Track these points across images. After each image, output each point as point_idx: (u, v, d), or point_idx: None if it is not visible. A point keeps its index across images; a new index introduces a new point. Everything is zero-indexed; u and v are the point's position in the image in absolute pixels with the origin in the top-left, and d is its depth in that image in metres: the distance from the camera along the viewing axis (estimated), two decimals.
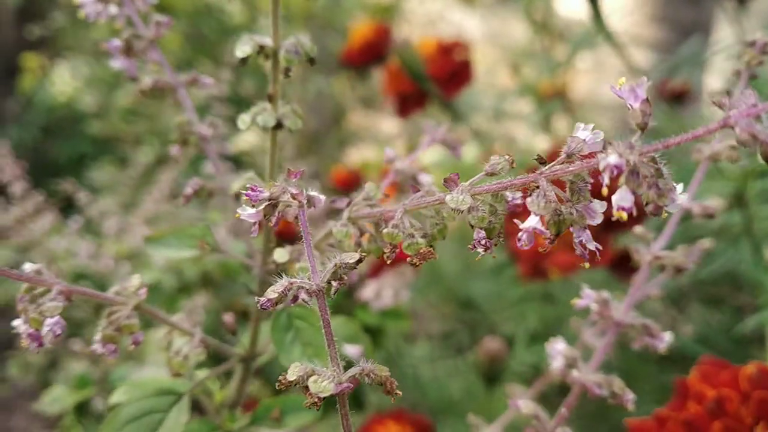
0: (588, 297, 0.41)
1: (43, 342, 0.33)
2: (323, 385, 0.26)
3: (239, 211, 0.29)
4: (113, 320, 0.36)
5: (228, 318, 0.43)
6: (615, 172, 0.23)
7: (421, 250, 0.30)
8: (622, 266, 0.79)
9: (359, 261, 0.28)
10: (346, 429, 0.28)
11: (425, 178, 0.47)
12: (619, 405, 0.38)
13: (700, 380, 0.50)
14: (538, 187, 0.26)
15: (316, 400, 0.26)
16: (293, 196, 0.28)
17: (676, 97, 1.39)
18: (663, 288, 0.48)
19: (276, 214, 0.29)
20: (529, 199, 0.26)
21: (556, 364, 0.41)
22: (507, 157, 0.29)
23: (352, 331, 0.50)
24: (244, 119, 0.37)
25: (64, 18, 2.84)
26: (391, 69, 1.09)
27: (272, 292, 0.27)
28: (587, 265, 0.27)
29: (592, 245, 0.27)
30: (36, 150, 2.76)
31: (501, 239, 0.29)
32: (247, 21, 2.88)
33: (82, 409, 0.69)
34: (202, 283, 1.04)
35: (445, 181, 0.29)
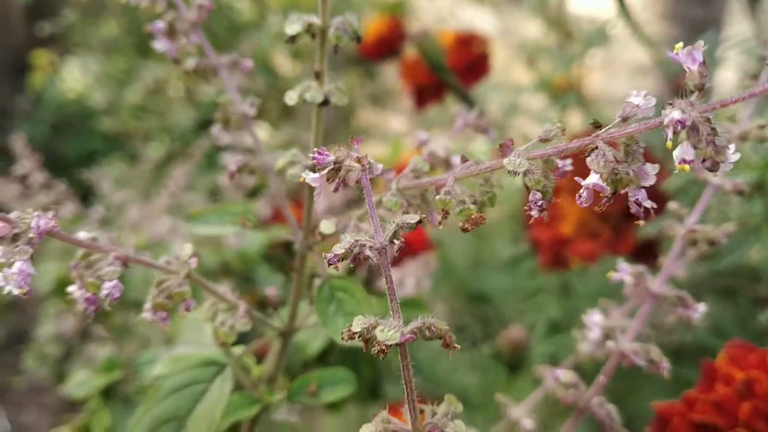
0: (623, 270, 0.41)
1: (101, 305, 0.34)
2: (390, 334, 0.27)
3: (303, 175, 0.30)
4: (164, 288, 0.37)
5: (271, 291, 0.44)
6: (679, 127, 0.24)
7: (473, 216, 0.31)
8: (644, 255, 0.80)
9: (419, 222, 0.29)
10: (407, 379, 0.29)
11: (457, 160, 0.48)
12: (655, 373, 0.39)
13: (728, 363, 0.51)
14: (595, 149, 0.27)
15: (383, 347, 0.27)
16: (357, 160, 0.29)
17: (692, 93, 1.39)
18: (686, 271, 0.48)
19: (338, 178, 0.30)
20: (589, 159, 0.27)
21: (593, 335, 0.41)
22: (559, 125, 0.30)
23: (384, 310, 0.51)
24: (291, 95, 0.38)
25: (74, 15, 2.85)
26: (408, 61, 1.10)
27: (339, 248, 0.28)
28: (641, 222, 0.28)
29: (647, 203, 0.27)
30: (46, 146, 2.77)
31: (550, 200, 0.30)
32: (256, 18, 2.89)
33: (108, 392, 0.70)
34: (221, 272, 1.05)
35: (501, 145, 0.29)
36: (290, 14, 0.37)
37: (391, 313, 0.29)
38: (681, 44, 0.26)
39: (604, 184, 0.27)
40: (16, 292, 0.31)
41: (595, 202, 0.27)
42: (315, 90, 0.37)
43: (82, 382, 0.72)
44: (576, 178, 0.28)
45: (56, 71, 3.03)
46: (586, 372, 0.58)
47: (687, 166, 0.24)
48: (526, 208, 0.29)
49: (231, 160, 0.42)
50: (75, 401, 1.94)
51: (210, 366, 0.43)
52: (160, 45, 0.45)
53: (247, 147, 1.09)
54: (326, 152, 0.30)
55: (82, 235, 0.34)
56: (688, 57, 0.26)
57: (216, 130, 0.44)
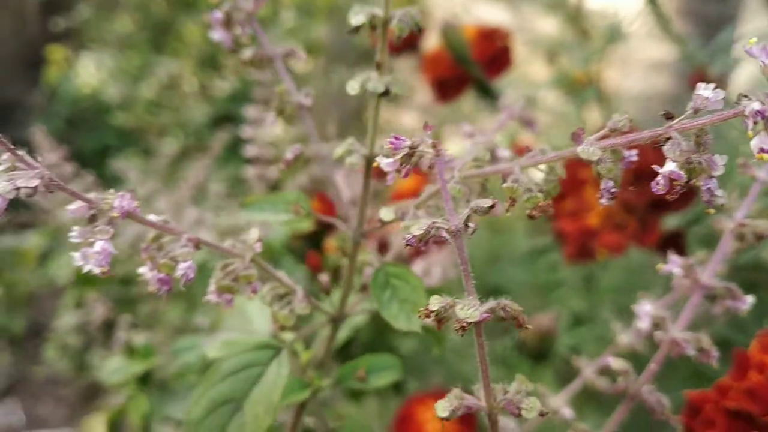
0: (674, 262, 0.42)
1: (172, 286, 0.35)
2: (469, 312, 0.28)
3: (378, 160, 0.31)
4: (229, 271, 0.38)
5: (324, 278, 0.45)
6: (759, 118, 0.25)
7: (540, 204, 0.32)
8: (669, 247, 0.80)
9: (492, 206, 0.30)
10: (481, 357, 0.30)
11: (504, 152, 0.49)
12: (705, 362, 0.40)
13: (761, 351, 0.51)
14: (669, 139, 0.28)
15: (464, 325, 0.28)
16: (432, 146, 0.30)
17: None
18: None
19: (410, 163, 0.31)
20: (665, 147, 0.28)
21: (643, 324, 0.42)
22: (626, 115, 0.31)
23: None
24: (353, 85, 0.39)
25: (88, 11, 2.86)
26: (430, 54, 1.11)
27: (417, 230, 0.29)
28: (712, 210, 0.29)
29: (719, 192, 0.28)
30: (60, 141, 2.79)
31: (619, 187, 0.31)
32: (269, 14, 2.90)
33: (145, 379, 0.71)
34: None
35: (573, 135, 0.30)
36: (354, 6, 0.38)
37: (466, 293, 0.30)
38: (755, 39, 0.27)
39: (681, 172, 0.28)
40: (96, 270, 0.32)
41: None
42: (376, 80, 0.38)
43: (116, 368, 0.73)
44: (653, 166, 0.29)
45: (71, 66, 3.04)
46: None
47: (766, 156, 0.25)
48: (598, 195, 0.30)
49: (289, 149, 0.43)
50: (91, 393, 1.96)
51: (265, 350, 0.44)
52: (216, 35, 0.46)
53: (267, 141, 1.10)
54: (403, 138, 0.31)
55: (153, 218, 0.35)
56: (762, 52, 0.27)
57: (270, 118, 0.45)
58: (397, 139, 0.31)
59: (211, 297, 0.38)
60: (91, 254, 0.31)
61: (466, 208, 0.30)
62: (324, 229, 1.04)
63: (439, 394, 0.93)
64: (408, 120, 3.40)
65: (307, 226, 0.87)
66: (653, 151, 0.29)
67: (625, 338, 0.51)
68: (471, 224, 0.30)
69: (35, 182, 0.29)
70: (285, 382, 0.41)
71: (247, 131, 1.07)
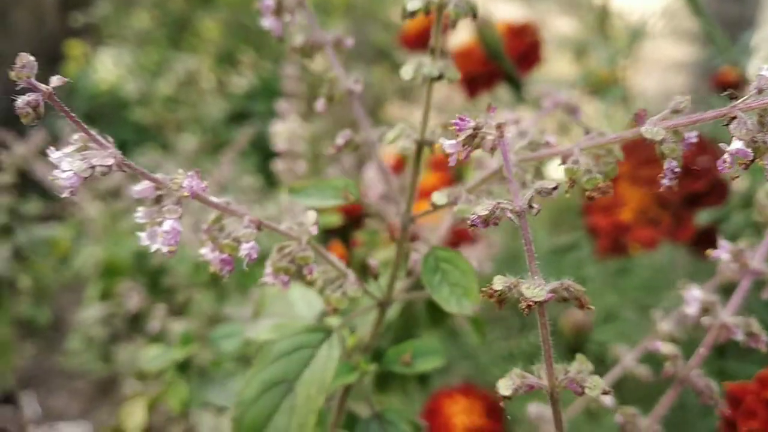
0: (723, 248, 0.42)
1: (234, 266, 0.36)
2: (536, 291, 0.28)
3: (440, 141, 0.32)
4: (286, 253, 0.38)
5: (373, 263, 0.45)
6: None
7: (599, 185, 0.32)
8: (703, 243, 0.80)
9: (555, 188, 0.30)
10: (544, 337, 0.30)
11: (551, 138, 0.49)
12: (754, 346, 0.40)
13: None
14: (734, 118, 0.28)
15: (530, 304, 0.29)
16: (497, 126, 0.30)
17: (727, 86, 1.40)
18: None
19: (472, 144, 0.31)
20: (732, 126, 0.28)
21: (691, 310, 0.42)
22: (687, 97, 0.31)
23: None
24: (407, 70, 0.39)
25: (107, 7, 2.89)
26: (460, 50, 1.11)
27: (482, 210, 0.29)
28: None
29: None
30: None
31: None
32: None
33: (184, 365, 0.72)
34: None
35: (636, 116, 0.31)
36: None
37: (530, 273, 0.30)
38: None
39: (748, 150, 0.28)
40: (164, 249, 0.32)
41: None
42: (430, 66, 0.39)
43: (156, 356, 0.74)
44: (721, 144, 0.29)
45: (89, 62, 3.07)
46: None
47: None
48: (660, 175, 0.30)
49: (340, 135, 0.44)
50: (106, 386, 1.96)
51: (315, 333, 0.44)
52: (267, 22, 0.46)
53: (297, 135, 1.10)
54: (467, 119, 0.31)
55: (215, 199, 0.36)
56: None
57: (320, 104, 0.46)
58: (462, 120, 0.31)
59: (268, 279, 0.38)
60: (160, 233, 0.32)
61: (529, 190, 0.30)
62: (351, 224, 1.05)
63: (467, 389, 0.93)
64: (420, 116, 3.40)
65: (336, 220, 0.88)
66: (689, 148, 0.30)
67: (665, 326, 0.51)
68: (535, 205, 0.30)
69: (110, 161, 0.30)
70: (336, 365, 0.42)
71: (277, 125, 1.08)
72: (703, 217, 0.83)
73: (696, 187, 0.79)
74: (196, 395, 0.68)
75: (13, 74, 0.28)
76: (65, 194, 0.30)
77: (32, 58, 0.29)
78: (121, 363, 1.40)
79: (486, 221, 0.30)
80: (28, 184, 1.27)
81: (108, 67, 3.04)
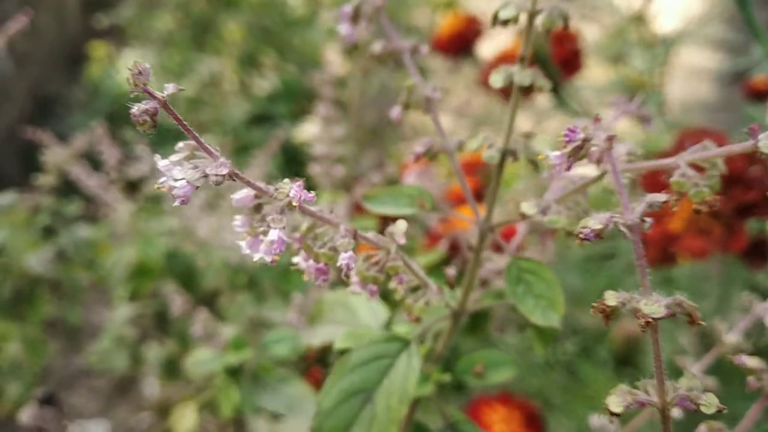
0: None
1: (327, 276, 0.36)
2: (654, 308, 0.28)
3: (545, 152, 0.31)
4: (374, 262, 0.38)
5: (450, 272, 0.45)
6: None
7: (707, 199, 0.32)
8: (755, 254, 0.79)
9: (665, 201, 0.30)
10: (656, 354, 0.30)
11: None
12: None
13: None
14: None
15: (649, 320, 0.28)
16: (607, 138, 0.30)
17: (758, 95, 1.39)
18: None
19: (578, 156, 0.31)
20: None
21: None
22: None
23: None
24: (497, 79, 0.39)
25: (131, 8, 2.91)
26: (500, 54, 1.11)
27: (596, 224, 0.29)
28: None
29: None
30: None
31: None
32: (309, 14, 2.91)
33: (235, 370, 0.72)
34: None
35: (750, 130, 0.30)
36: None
37: (642, 289, 0.30)
38: None
39: None
40: (268, 259, 0.32)
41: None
42: (523, 74, 0.39)
43: (204, 360, 0.74)
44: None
45: (113, 63, 3.09)
46: None
47: None
48: None
49: (419, 142, 0.43)
50: (124, 384, 1.97)
51: (393, 342, 0.44)
52: (343, 29, 0.46)
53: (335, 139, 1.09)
54: (577, 129, 0.31)
55: (312, 208, 0.35)
56: None
57: (395, 112, 0.45)
58: (572, 131, 0.31)
59: (355, 288, 0.38)
60: (266, 242, 0.31)
61: (640, 203, 0.30)
62: (383, 229, 1.04)
63: (505, 398, 0.93)
64: (443, 122, 3.40)
65: (371, 225, 0.87)
66: (740, 159, 0.29)
67: (732, 338, 0.50)
68: (647, 219, 0.30)
69: (224, 170, 0.29)
70: (417, 375, 0.42)
71: (313, 128, 1.08)
72: (754, 227, 0.82)
73: (748, 197, 0.78)
74: (247, 400, 0.68)
75: (128, 81, 0.28)
76: (176, 203, 0.30)
77: (147, 65, 0.29)
78: (149, 363, 1.41)
79: (598, 235, 0.29)
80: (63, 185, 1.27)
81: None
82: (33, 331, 1.27)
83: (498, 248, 0.90)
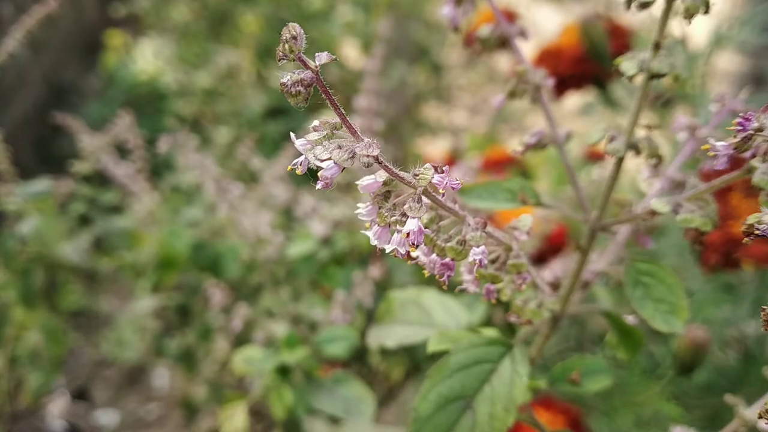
0: None
1: (453, 272, 0.33)
2: None
3: (711, 142, 0.29)
4: (493, 259, 0.35)
5: (555, 272, 0.42)
6: None
7: None
8: None
9: None
10: None
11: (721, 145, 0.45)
12: None
13: None
14: None
15: None
16: None
17: None
18: None
19: (746, 147, 0.28)
20: None
21: None
22: None
23: None
24: (629, 66, 0.36)
25: None
26: (548, 49, 1.08)
27: None
28: None
29: None
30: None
31: None
32: (325, 7, 2.89)
33: (286, 369, 0.68)
34: (352, 256, 1.04)
35: None
36: None
37: None
38: None
39: None
40: (402, 251, 0.29)
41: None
42: (660, 61, 0.36)
43: (256, 358, 0.71)
44: None
45: (129, 53, 3.06)
46: None
47: None
48: None
49: (531, 133, 0.41)
50: (135, 374, 1.94)
51: (495, 345, 0.41)
52: (446, 11, 0.43)
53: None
54: (752, 117, 0.28)
55: (442, 199, 0.32)
56: None
57: (498, 99, 0.43)
58: (746, 119, 0.28)
59: (469, 286, 0.35)
60: (403, 233, 0.28)
61: None
62: None
63: (548, 402, 0.89)
64: (456, 119, 3.37)
65: None
66: None
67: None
68: None
69: (376, 151, 0.26)
70: (526, 382, 0.39)
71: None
72: None
73: None
74: (301, 402, 0.65)
75: (280, 47, 0.25)
76: (320, 186, 0.27)
77: (301, 29, 0.26)
78: (168, 355, 1.38)
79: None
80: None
81: (147, 58, 3.04)
82: (56, 321, 1.25)
83: (540, 258, 0.87)
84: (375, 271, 0.85)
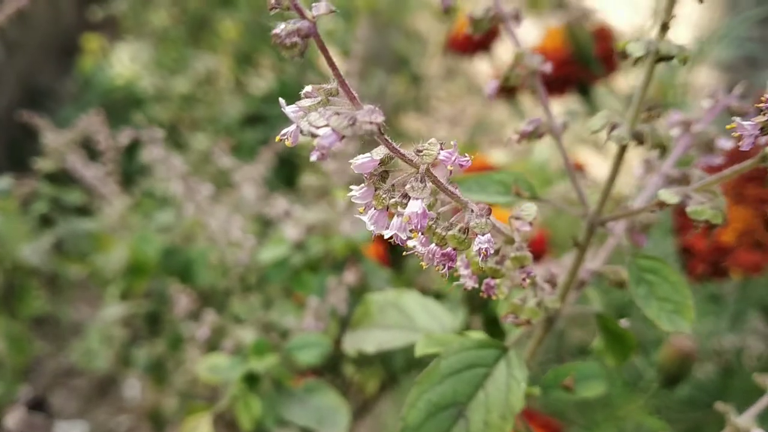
0: None
1: (454, 263, 0.30)
2: None
3: (738, 121, 0.26)
4: (494, 252, 0.32)
5: (555, 270, 0.39)
6: None
7: None
8: None
9: None
10: None
11: (727, 144, 0.44)
12: None
13: None
14: None
15: None
16: None
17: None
18: None
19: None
20: None
21: None
22: None
23: None
24: (636, 47, 0.34)
25: (125, 2, 2.84)
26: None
27: None
28: None
29: None
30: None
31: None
32: None
33: (254, 378, 0.64)
34: (326, 261, 1.01)
35: None
36: None
37: None
38: None
39: None
40: (403, 236, 0.26)
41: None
42: (668, 43, 0.33)
43: (222, 366, 0.67)
44: None
45: (106, 56, 3.00)
46: None
47: None
48: None
49: (528, 121, 0.38)
50: (104, 384, 1.88)
51: (488, 348, 0.38)
52: None
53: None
54: None
55: (444, 182, 0.29)
56: None
57: (491, 87, 0.40)
58: None
59: (467, 282, 0.32)
60: (404, 217, 0.25)
61: None
62: None
63: (529, 416, 0.87)
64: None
65: None
66: None
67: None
68: None
69: (380, 118, 0.23)
70: (524, 387, 0.36)
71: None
72: None
73: None
74: (270, 412, 0.61)
75: None
76: (314, 157, 0.23)
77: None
78: (137, 365, 1.33)
79: None
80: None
81: (124, 63, 2.98)
82: (19, 328, 1.19)
83: (536, 255, 0.85)
84: (350, 276, 0.82)
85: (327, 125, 0.22)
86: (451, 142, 0.26)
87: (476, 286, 0.33)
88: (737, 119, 0.27)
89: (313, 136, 0.23)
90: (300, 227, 0.95)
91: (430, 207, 0.30)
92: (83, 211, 1.33)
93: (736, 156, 0.51)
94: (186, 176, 0.89)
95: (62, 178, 1.20)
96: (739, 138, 0.27)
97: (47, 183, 1.08)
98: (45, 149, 1.02)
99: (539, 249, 0.98)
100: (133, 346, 1.35)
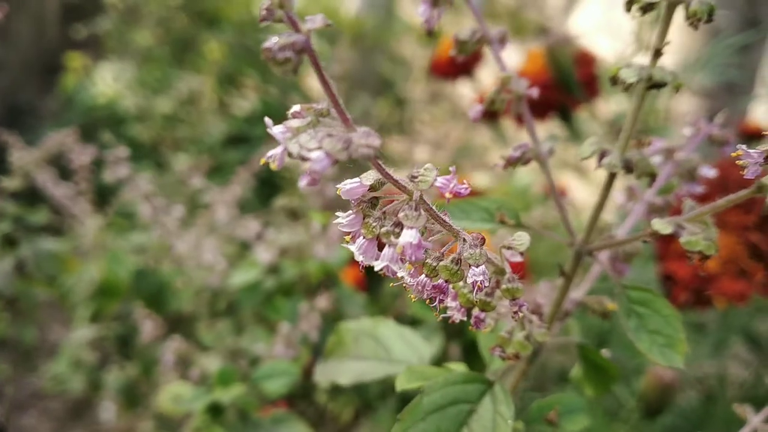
0: None
1: (446, 296, 0.28)
2: None
3: (743, 149, 0.25)
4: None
5: (540, 300, 0.38)
6: None
7: None
8: None
9: None
10: None
11: (709, 171, 0.43)
12: None
13: None
14: None
15: None
16: None
17: (750, 136, 1.42)
18: None
19: None
20: None
21: None
22: None
23: None
24: (629, 73, 0.33)
25: (110, 21, 2.82)
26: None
27: None
28: None
29: None
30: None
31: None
32: None
33: (218, 408, 0.61)
34: (301, 286, 0.98)
35: None
36: None
37: None
38: None
39: None
40: (395, 268, 0.24)
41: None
42: (661, 70, 0.32)
43: (184, 396, 0.64)
44: None
45: (88, 75, 2.97)
46: None
47: None
48: None
49: (515, 147, 0.37)
50: (79, 407, 1.83)
51: (472, 383, 0.36)
52: (421, 10, 0.39)
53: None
54: None
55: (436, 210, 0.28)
56: None
57: (475, 111, 0.39)
58: None
59: (454, 314, 0.30)
60: (398, 246, 0.23)
61: None
62: None
63: None
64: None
65: None
66: None
67: None
68: None
69: (377, 141, 0.21)
70: (511, 425, 0.34)
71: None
72: None
73: None
74: None
75: (264, 7, 0.20)
76: (304, 183, 0.22)
77: None
78: (108, 389, 1.29)
79: None
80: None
81: (107, 82, 2.95)
82: None
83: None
84: (323, 302, 0.79)
85: (320, 148, 0.21)
86: (450, 168, 0.24)
87: (464, 319, 0.31)
88: (743, 147, 0.26)
89: (304, 159, 0.21)
90: (273, 250, 0.92)
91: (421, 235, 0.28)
92: (54, 230, 1.29)
93: (717, 184, 0.50)
94: (151, 197, 0.86)
95: (32, 197, 1.16)
96: (742, 166, 0.26)
97: (13, 202, 1.04)
98: (11, 167, 0.98)
99: (519, 276, 0.96)
100: (104, 369, 1.31)
